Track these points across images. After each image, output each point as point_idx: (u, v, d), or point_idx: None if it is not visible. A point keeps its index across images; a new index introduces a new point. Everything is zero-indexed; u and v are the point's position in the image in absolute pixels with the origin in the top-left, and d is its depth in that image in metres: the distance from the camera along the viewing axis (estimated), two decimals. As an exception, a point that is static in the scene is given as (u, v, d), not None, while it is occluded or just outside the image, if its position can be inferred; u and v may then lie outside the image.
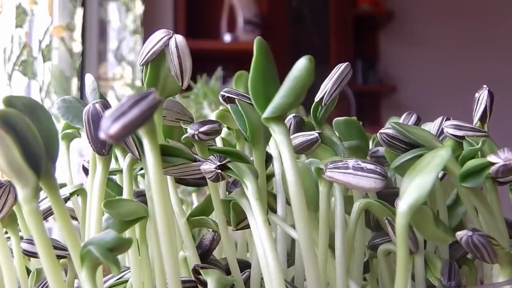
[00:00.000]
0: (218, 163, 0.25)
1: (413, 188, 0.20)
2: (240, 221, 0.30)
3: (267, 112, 0.23)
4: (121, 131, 0.18)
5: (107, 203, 0.26)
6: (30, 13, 0.90)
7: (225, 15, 2.06)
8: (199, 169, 0.26)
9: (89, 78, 0.29)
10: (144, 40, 0.29)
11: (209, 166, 0.26)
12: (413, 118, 0.35)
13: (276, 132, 0.24)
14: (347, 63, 0.29)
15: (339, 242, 0.26)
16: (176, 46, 0.27)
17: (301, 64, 0.22)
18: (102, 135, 0.18)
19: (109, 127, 0.18)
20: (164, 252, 0.23)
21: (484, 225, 0.28)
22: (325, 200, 0.26)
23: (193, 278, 0.28)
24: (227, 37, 2.02)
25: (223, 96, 0.30)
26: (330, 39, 2.22)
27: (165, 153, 0.26)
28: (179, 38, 0.27)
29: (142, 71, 0.28)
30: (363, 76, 2.32)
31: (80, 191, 0.33)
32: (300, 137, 0.29)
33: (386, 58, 2.40)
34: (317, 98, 0.29)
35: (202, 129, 0.27)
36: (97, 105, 0.25)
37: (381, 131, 0.29)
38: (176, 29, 1.97)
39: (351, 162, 0.23)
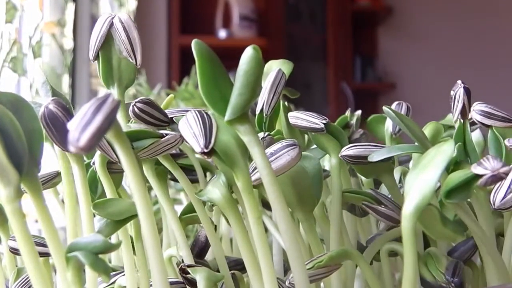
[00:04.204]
0: (205, 149, 0.23)
1: (417, 188, 0.19)
2: None
3: (228, 115, 0.22)
4: (91, 140, 0.17)
5: (96, 205, 0.26)
6: (20, 8, 0.90)
7: (220, 10, 2.05)
8: (171, 143, 0.26)
9: (38, 71, 0.29)
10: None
11: (195, 143, 0.23)
12: (404, 107, 0.34)
13: (242, 133, 0.23)
14: (278, 68, 0.28)
15: (334, 242, 0.26)
16: (121, 21, 0.27)
17: (248, 56, 0.22)
18: (72, 148, 0.17)
19: (78, 139, 0.17)
20: (150, 253, 0.23)
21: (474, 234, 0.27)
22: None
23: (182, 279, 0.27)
24: (222, 33, 2.01)
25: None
26: (328, 36, 2.22)
27: (133, 139, 0.26)
28: (122, 14, 0.28)
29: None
30: (361, 73, 2.32)
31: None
32: (304, 121, 0.28)
33: (385, 55, 2.40)
34: (257, 111, 0.29)
35: (136, 100, 0.28)
36: (51, 106, 0.25)
37: (341, 153, 0.28)
38: (170, 25, 1.97)
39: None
